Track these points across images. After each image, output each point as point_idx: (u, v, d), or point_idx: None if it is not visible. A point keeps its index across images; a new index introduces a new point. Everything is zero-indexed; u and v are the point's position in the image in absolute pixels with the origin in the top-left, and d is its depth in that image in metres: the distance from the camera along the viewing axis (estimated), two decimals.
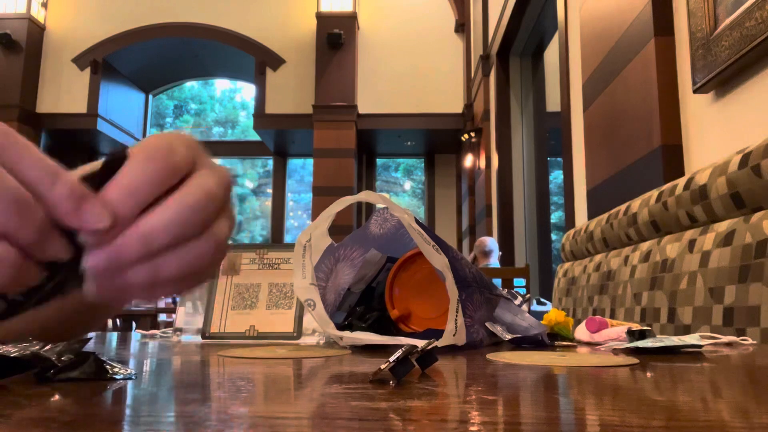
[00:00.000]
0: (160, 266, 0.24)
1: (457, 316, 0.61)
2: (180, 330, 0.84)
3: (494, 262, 4.07)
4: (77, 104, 7.40)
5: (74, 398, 0.28)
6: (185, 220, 0.24)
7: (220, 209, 0.26)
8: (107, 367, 0.34)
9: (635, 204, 1.39)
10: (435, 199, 8.21)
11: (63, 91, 7.47)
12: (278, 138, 7.72)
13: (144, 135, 8.59)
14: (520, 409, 0.28)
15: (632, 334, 0.64)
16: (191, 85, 9.58)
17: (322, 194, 6.67)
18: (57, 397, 0.28)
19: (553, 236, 5.00)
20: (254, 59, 7.50)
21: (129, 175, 0.24)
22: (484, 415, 0.25)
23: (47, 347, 0.33)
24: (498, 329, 0.67)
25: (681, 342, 0.57)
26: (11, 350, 0.31)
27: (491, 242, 4.15)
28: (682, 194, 1.15)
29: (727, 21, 1.36)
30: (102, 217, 0.23)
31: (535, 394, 0.33)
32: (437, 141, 7.83)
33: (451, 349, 0.61)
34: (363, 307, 0.77)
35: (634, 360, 0.48)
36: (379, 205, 0.71)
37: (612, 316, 1.42)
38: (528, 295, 2.54)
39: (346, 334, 0.64)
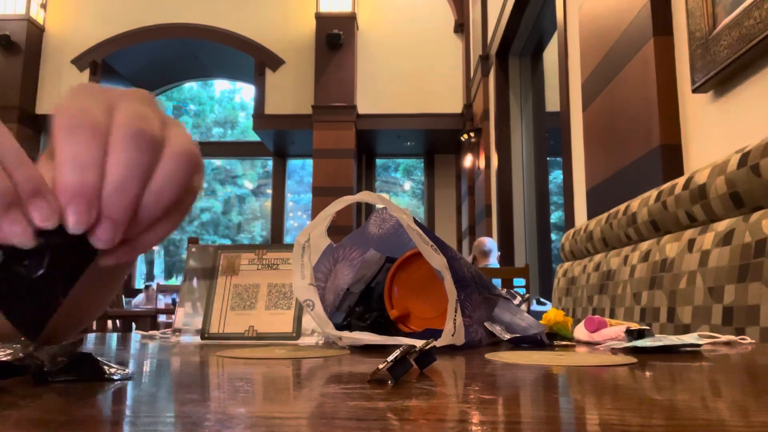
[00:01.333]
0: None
1: (455, 315, 0.61)
2: (179, 331, 0.83)
3: (493, 262, 4.08)
4: None
5: (72, 399, 0.28)
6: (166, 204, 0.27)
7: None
8: (105, 367, 0.34)
9: (634, 204, 1.39)
10: (435, 200, 8.22)
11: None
12: (278, 138, 7.72)
13: None
14: (518, 409, 0.28)
15: (631, 334, 0.64)
16: (190, 86, 9.59)
17: (322, 195, 6.68)
18: (55, 398, 0.28)
19: (553, 236, 5.01)
20: (253, 60, 7.50)
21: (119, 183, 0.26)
22: (483, 414, 0.25)
23: (40, 349, 0.33)
24: (497, 329, 0.67)
25: (679, 341, 0.57)
26: (3, 352, 0.31)
27: (489, 242, 4.16)
28: (681, 194, 1.15)
29: (726, 20, 1.36)
30: (50, 216, 0.25)
31: (534, 394, 0.33)
32: (437, 141, 7.83)
33: (450, 349, 0.61)
34: (362, 307, 0.77)
35: (633, 359, 0.48)
36: (378, 206, 0.71)
37: (612, 316, 1.42)
38: (527, 294, 2.53)
39: (345, 334, 0.64)
